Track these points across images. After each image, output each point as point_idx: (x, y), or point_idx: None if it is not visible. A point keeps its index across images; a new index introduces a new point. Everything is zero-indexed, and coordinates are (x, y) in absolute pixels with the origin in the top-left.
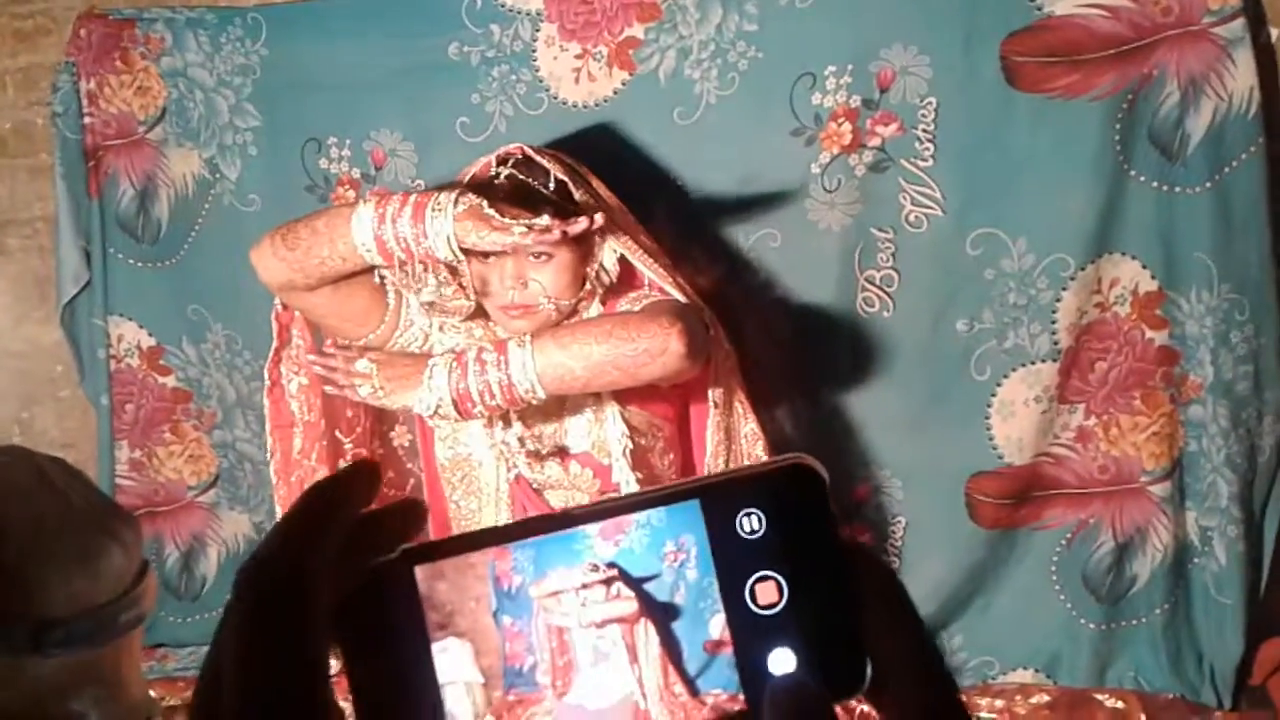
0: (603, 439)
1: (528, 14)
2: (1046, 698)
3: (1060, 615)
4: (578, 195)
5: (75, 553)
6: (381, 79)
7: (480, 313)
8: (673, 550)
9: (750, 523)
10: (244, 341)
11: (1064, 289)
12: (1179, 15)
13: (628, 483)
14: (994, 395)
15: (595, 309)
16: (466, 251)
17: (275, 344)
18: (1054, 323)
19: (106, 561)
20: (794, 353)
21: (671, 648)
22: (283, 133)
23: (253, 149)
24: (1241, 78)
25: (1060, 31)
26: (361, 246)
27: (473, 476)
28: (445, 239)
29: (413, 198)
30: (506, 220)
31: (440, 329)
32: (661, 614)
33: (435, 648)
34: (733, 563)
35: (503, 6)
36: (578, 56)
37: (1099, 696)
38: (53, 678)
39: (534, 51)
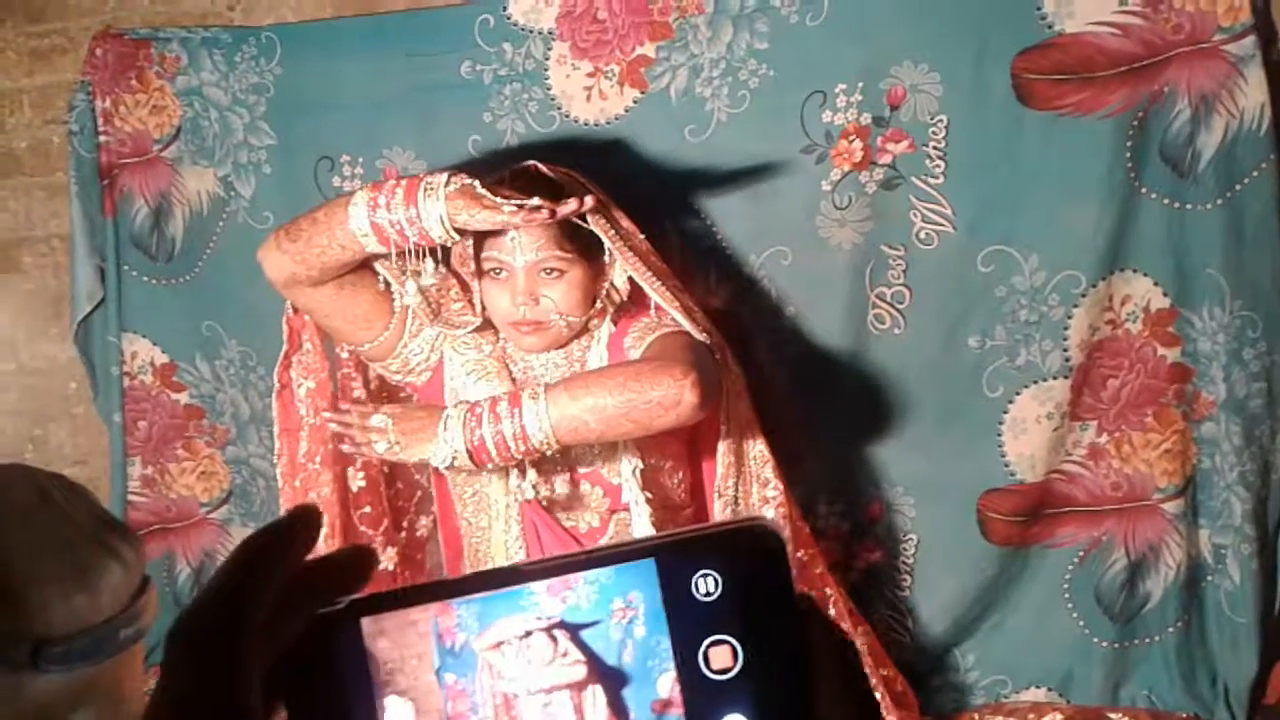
0: (613, 458)
1: (540, 33)
2: (1060, 716)
3: (1073, 633)
4: (589, 214)
5: (75, 570)
6: (394, 97)
7: (489, 326)
8: (621, 607)
9: (706, 584)
10: (258, 358)
11: (1075, 306)
12: (1190, 33)
13: (637, 502)
14: (1006, 412)
15: (606, 327)
16: (461, 232)
17: (286, 348)
18: (1065, 340)
19: (106, 579)
20: (804, 370)
21: (618, 708)
22: (296, 151)
23: (267, 167)
24: (1253, 95)
25: (1071, 49)
26: (358, 232)
27: (483, 494)
28: (438, 219)
29: (405, 181)
30: (498, 200)
31: (446, 340)
32: (609, 673)
33: (380, 703)
34: (687, 625)
35: (515, 25)
36: (590, 75)
37: (1112, 715)
38: (52, 695)
39: (546, 70)
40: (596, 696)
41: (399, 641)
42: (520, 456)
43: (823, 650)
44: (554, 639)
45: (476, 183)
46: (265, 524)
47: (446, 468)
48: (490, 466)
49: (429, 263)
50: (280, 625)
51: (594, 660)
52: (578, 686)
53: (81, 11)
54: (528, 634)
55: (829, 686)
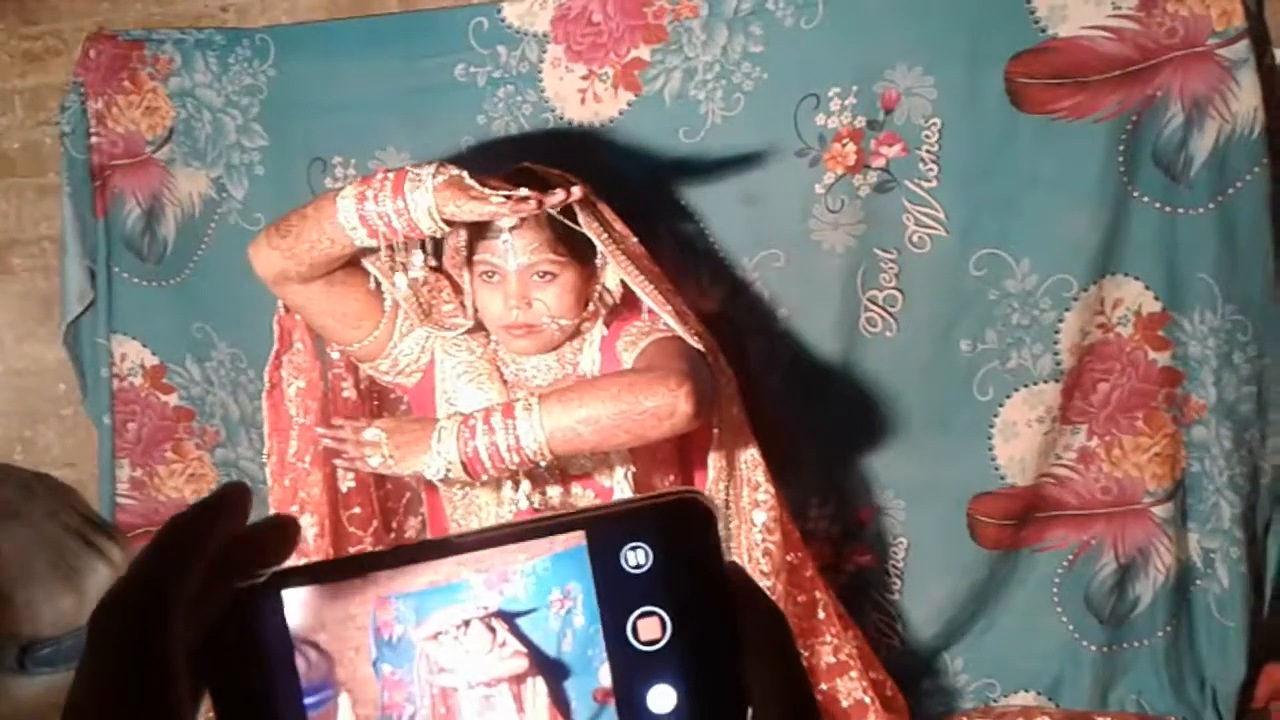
0: (605, 462)
1: (534, 35)
2: None
3: (1062, 637)
4: (582, 217)
5: (62, 571)
6: (387, 100)
7: (480, 328)
8: (559, 598)
9: (636, 557)
10: (249, 360)
11: (1067, 310)
12: (1183, 37)
13: None
14: (996, 416)
15: (599, 330)
16: (450, 223)
17: (276, 347)
18: (1057, 343)
19: (94, 579)
20: (796, 373)
21: (559, 697)
22: (289, 153)
23: (259, 169)
24: (1245, 99)
25: (1065, 53)
26: (347, 225)
27: (472, 496)
28: (426, 210)
29: (393, 173)
30: (485, 190)
31: (436, 341)
32: (549, 664)
33: (305, 683)
34: (617, 597)
35: (509, 28)
36: (584, 77)
37: (1101, 719)
38: (40, 697)
39: (540, 72)
40: (537, 688)
41: (337, 634)
42: (515, 468)
43: (752, 618)
44: (492, 629)
45: (464, 174)
46: (192, 503)
47: (440, 480)
48: (484, 478)
49: (417, 255)
50: (201, 601)
51: (534, 651)
52: (518, 679)
53: (74, 13)
54: (465, 623)
55: (755, 655)
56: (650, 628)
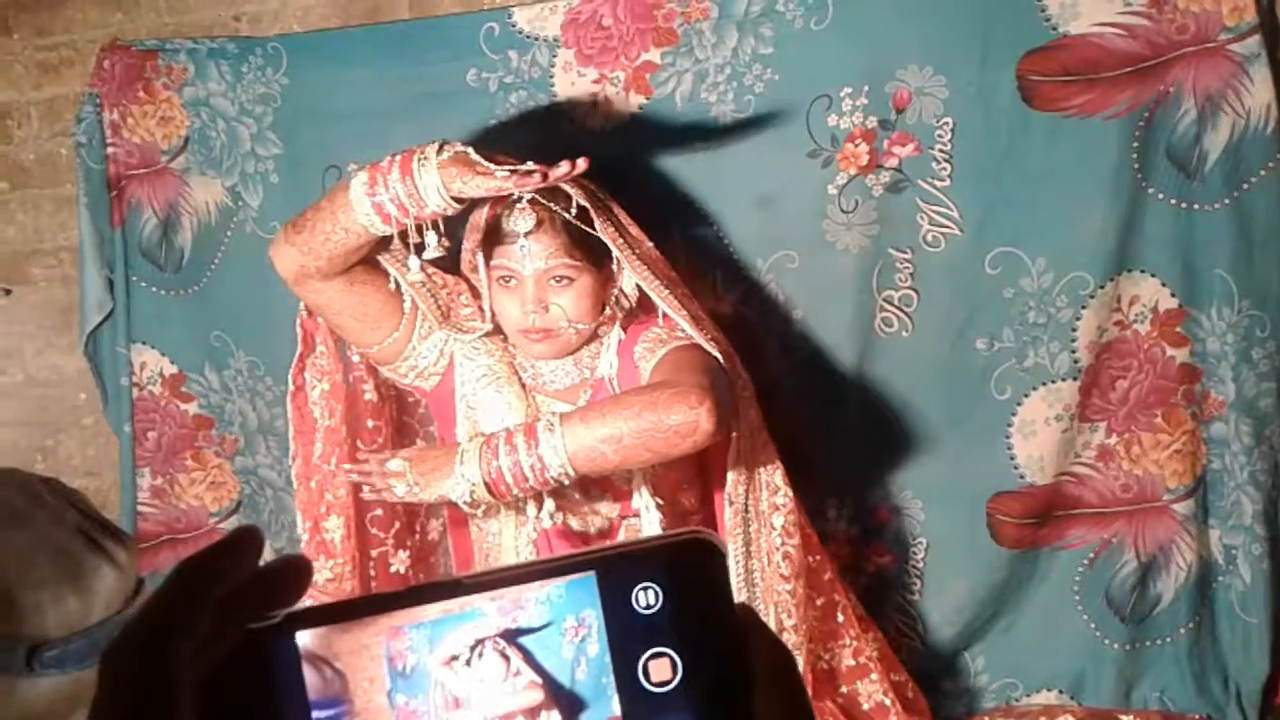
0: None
1: (545, 40)
2: (1071, 719)
3: (1084, 635)
4: (598, 222)
5: (68, 573)
6: (400, 106)
7: (498, 331)
8: (574, 625)
9: (647, 597)
10: (266, 367)
11: (1084, 307)
12: (1195, 33)
13: (648, 508)
14: (1014, 414)
15: (616, 334)
16: (459, 200)
17: (300, 349)
18: (1074, 341)
19: (99, 581)
20: (813, 375)
21: None
22: (304, 160)
23: (274, 177)
24: (1259, 94)
25: (1076, 50)
26: (360, 212)
27: (495, 519)
28: (435, 189)
29: (400, 156)
30: (491, 165)
31: (455, 344)
32: (564, 695)
33: (318, 717)
34: (627, 638)
35: (521, 33)
36: (595, 81)
37: (1124, 717)
38: (48, 698)
39: (551, 77)
40: (550, 712)
41: (351, 665)
42: (539, 487)
43: (762, 659)
44: (506, 658)
45: (469, 149)
46: (204, 546)
47: (466, 503)
48: (509, 499)
49: (431, 235)
50: (213, 643)
51: (549, 682)
52: (532, 712)
53: (89, 24)
54: (479, 644)
55: (766, 698)
56: (661, 669)
